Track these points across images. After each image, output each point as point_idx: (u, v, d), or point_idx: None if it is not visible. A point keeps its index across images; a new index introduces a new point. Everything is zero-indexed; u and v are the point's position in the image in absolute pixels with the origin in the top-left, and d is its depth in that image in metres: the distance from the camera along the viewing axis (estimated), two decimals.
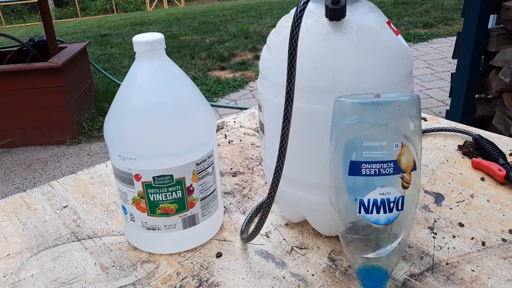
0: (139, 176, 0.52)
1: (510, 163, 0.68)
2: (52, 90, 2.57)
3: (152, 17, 9.18)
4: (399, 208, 0.44)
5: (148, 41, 0.50)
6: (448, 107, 2.39)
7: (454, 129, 0.82)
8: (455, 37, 4.60)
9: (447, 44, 4.46)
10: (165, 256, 0.56)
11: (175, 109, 0.51)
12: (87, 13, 14.43)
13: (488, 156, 0.71)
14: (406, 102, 0.43)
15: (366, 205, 0.44)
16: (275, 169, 0.47)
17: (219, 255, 0.56)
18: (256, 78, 3.93)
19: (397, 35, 0.50)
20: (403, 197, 0.44)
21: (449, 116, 1.88)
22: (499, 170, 0.67)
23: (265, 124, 0.55)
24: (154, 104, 0.50)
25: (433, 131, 0.83)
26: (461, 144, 0.78)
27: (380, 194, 0.44)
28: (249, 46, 5.01)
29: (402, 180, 0.44)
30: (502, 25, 1.67)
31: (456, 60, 1.81)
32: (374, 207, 0.44)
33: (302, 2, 0.41)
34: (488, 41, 1.67)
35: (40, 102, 2.62)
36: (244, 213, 0.65)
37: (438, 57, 4.07)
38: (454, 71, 1.82)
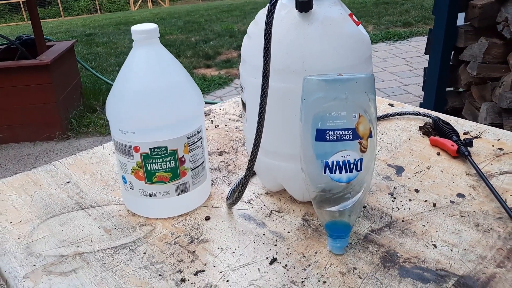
0: (138, 148, 0.60)
1: (463, 140, 0.78)
2: (41, 87, 2.62)
3: (137, 16, 9.18)
4: (358, 168, 0.53)
5: (144, 30, 0.58)
6: None
7: (417, 113, 0.92)
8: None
9: (425, 42, 4.60)
10: (160, 220, 0.64)
11: (168, 88, 0.59)
12: (70, 13, 14.29)
13: (444, 134, 0.81)
14: (362, 79, 0.52)
15: (331, 166, 0.53)
16: (254, 139, 0.55)
17: (207, 218, 0.64)
18: None
19: (357, 25, 0.59)
20: (361, 160, 0.53)
21: (422, 107, 1.99)
22: (452, 145, 0.77)
23: (246, 103, 0.63)
24: (150, 84, 0.59)
25: (398, 115, 0.93)
26: (422, 125, 0.88)
27: (342, 156, 0.52)
28: (234, 45, 5.09)
29: (360, 145, 0.53)
30: (469, 22, 1.78)
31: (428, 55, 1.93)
32: (337, 168, 0.53)
33: None
34: (457, 37, 1.79)
35: (28, 99, 2.66)
36: (229, 185, 0.73)
37: (416, 54, 4.21)
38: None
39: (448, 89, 1.93)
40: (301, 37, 0.55)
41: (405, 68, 3.85)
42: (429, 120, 0.89)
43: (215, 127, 0.95)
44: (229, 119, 0.98)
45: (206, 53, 4.77)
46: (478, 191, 0.67)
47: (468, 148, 0.76)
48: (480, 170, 0.70)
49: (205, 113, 1.02)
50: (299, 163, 0.56)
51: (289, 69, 0.56)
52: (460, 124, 0.88)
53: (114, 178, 0.76)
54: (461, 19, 1.79)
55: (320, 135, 0.52)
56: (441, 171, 0.73)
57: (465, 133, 0.85)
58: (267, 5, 0.56)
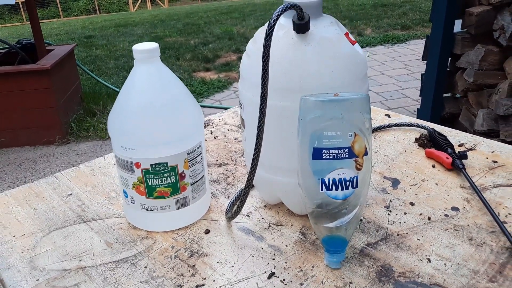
0: (139, 164, 0.61)
1: (457, 152, 0.79)
2: (41, 92, 2.63)
3: (136, 18, 9.18)
4: (354, 186, 0.55)
5: (145, 49, 0.60)
6: None
7: (413, 124, 0.94)
8: None
9: (423, 46, 4.62)
10: (161, 234, 0.66)
11: (168, 106, 0.61)
12: (69, 14, 14.28)
13: (439, 147, 0.82)
14: (357, 99, 0.53)
15: (327, 183, 0.54)
16: (253, 155, 0.57)
17: (207, 231, 0.66)
18: None
19: (353, 44, 0.61)
20: (357, 177, 0.54)
21: (419, 113, 2.01)
22: (447, 158, 0.78)
23: (245, 119, 0.65)
24: (151, 102, 0.60)
25: (395, 126, 0.94)
26: (418, 137, 0.89)
27: (338, 174, 0.54)
28: (233, 48, 5.11)
29: (355, 163, 0.54)
30: (466, 29, 1.80)
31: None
32: (333, 185, 0.54)
33: (273, 19, 0.51)
34: (454, 44, 1.80)
35: (28, 103, 2.67)
36: (229, 197, 0.74)
37: (414, 58, 4.23)
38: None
39: (445, 94, 1.95)
40: (299, 57, 0.57)
41: (403, 72, 3.87)
42: (425, 132, 0.90)
43: (215, 138, 0.96)
44: (228, 130, 1.00)
45: (205, 56, 4.79)
46: (472, 204, 0.69)
47: (462, 160, 0.77)
48: (473, 183, 0.71)
49: (204, 124, 1.03)
50: (296, 178, 0.57)
51: (287, 88, 0.57)
52: (455, 136, 0.90)
53: (115, 191, 0.77)
54: (458, 25, 1.81)
55: (317, 153, 0.53)
56: (436, 184, 0.75)
57: (460, 145, 0.86)
58: (266, 24, 0.57)
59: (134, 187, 0.63)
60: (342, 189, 0.54)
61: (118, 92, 3.01)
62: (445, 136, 0.85)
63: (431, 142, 0.86)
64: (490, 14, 1.69)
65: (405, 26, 5.49)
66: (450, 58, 1.87)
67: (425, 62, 2.01)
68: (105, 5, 15.43)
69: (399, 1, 7.57)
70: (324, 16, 0.60)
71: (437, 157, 0.80)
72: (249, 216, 0.69)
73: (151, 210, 0.64)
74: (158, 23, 7.80)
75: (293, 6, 0.53)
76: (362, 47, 4.61)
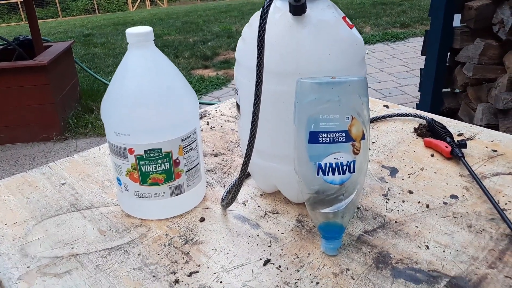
0: (132, 150, 0.60)
1: (456, 141, 0.78)
2: (38, 88, 2.62)
3: (135, 17, 9.18)
4: (351, 170, 0.53)
5: (139, 32, 0.58)
6: None
7: (411, 114, 0.93)
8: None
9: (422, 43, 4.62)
10: (155, 221, 0.65)
11: (162, 91, 0.59)
12: (68, 13, 14.25)
13: (438, 136, 0.81)
14: (355, 82, 0.52)
15: (324, 168, 0.53)
16: (248, 141, 0.56)
17: (202, 219, 0.65)
18: None
19: (351, 28, 0.60)
20: (354, 162, 0.53)
21: (418, 108, 1.99)
22: (446, 147, 0.77)
23: (240, 105, 0.64)
24: (144, 87, 0.59)
25: (393, 116, 0.93)
26: (416, 127, 0.88)
27: (335, 158, 0.53)
28: (232, 46, 5.09)
29: (353, 147, 0.53)
30: (465, 24, 1.79)
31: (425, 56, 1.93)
32: (330, 170, 0.53)
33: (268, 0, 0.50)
34: (453, 38, 1.79)
35: (26, 100, 2.66)
36: (224, 186, 0.73)
37: (414, 55, 4.22)
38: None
39: (444, 90, 1.94)
40: (295, 40, 0.56)
41: (402, 69, 3.86)
42: (424, 122, 0.89)
43: (211, 128, 0.95)
44: (225, 121, 0.99)
45: (204, 54, 4.78)
46: (471, 192, 0.68)
47: (461, 149, 0.76)
48: (473, 171, 0.70)
49: (201, 115, 1.02)
50: (293, 165, 0.56)
51: (283, 72, 0.56)
52: (454, 126, 0.89)
53: (109, 180, 0.76)
54: (457, 20, 1.80)
55: (313, 137, 0.52)
56: (435, 173, 0.74)
57: (459, 135, 0.85)
58: (261, 8, 0.56)
59: (127, 173, 0.62)
60: (339, 173, 0.53)
61: None
62: (444, 126, 0.84)
63: (430, 132, 0.85)
64: (490, 8, 1.68)
65: (404, 24, 5.48)
66: (449, 53, 1.86)
67: (424, 57, 2.00)
68: (104, 5, 15.39)
69: (399, 0, 7.57)
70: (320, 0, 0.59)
71: (436, 146, 0.79)
72: (245, 205, 0.68)
73: (145, 197, 0.63)
74: (157, 22, 7.78)
75: None
76: None
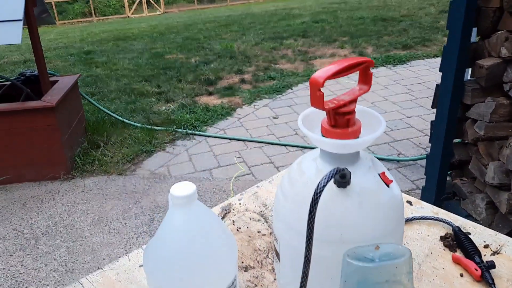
0: None
1: (485, 261, 0.79)
2: (46, 129, 2.62)
3: (134, 29, 9.19)
4: None
5: (184, 196, 0.59)
6: (427, 137, 2.55)
7: (437, 218, 0.94)
8: (433, 58, 4.68)
9: (425, 67, 4.65)
10: None
11: (206, 255, 0.60)
12: (64, 17, 14.15)
13: (466, 252, 0.82)
14: (401, 264, 0.53)
15: None
16: None
17: None
18: (244, 104, 4.05)
19: (389, 185, 0.61)
20: None
21: (429, 159, 2.01)
22: (476, 269, 0.78)
23: (280, 254, 0.65)
24: (188, 249, 0.60)
25: (418, 219, 0.94)
26: (443, 234, 0.89)
27: None
28: (234, 68, 5.11)
29: None
30: (475, 79, 1.81)
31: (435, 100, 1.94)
32: None
33: (321, 185, 0.51)
34: (464, 93, 1.81)
35: (33, 140, 2.67)
36: None
37: (417, 81, 4.25)
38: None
39: (454, 140, 1.96)
40: (339, 210, 0.57)
41: (406, 98, 3.88)
42: (450, 228, 0.90)
43: (237, 230, 0.96)
44: (250, 219, 0.99)
45: (207, 78, 4.79)
46: None
47: (490, 271, 0.77)
48: None
49: (225, 210, 1.03)
50: None
51: (327, 240, 0.57)
52: (479, 233, 0.90)
53: None
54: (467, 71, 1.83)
55: None
56: None
57: (485, 247, 0.86)
58: (300, 160, 0.57)
59: None
60: None
61: (121, 120, 2.98)
62: (470, 239, 0.85)
63: (457, 243, 0.86)
64: (500, 67, 1.69)
65: (406, 46, 5.52)
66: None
67: (428, 84, 2.00)
68: (101, 8, 15.31)
69: (399, 15, 7.62)
70: (361, 160, 0.60)
71: (465, 266, 0.80)
72: None
73: None
74: (157, 37, 7.80)
75: (339, 171, 0.53)
76: None
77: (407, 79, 4.34)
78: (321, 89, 0.54)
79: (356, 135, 0.58)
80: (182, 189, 0.60)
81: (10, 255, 2.13)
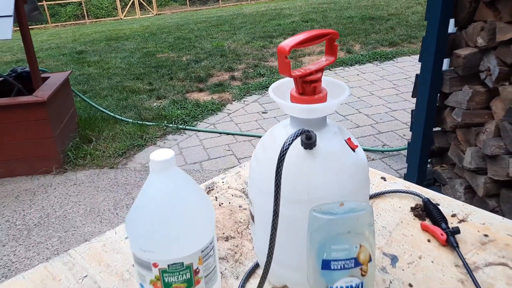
0: (156, 264, 0.65)
1: (451, 227, 0.85)
2: (37, 123, 2.65)
3: (126, 30, 9.20)
4: None
5: (162, 160, 0.64)
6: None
7: (408, 191, 0.99)
8: (418, 55, 4.80)
9: (410, 63, 4.74)
10: None
11: (184, 211, 0.65)
12: (57, 19, 14.09)
13: (434, 220, 0.88)
14: (362, 215, 0.58)
15: None
16: (265, 265, 0.61)
17: None
18: (233, 100, 4.10)
19: (355, 149, 0.66)
20: (362, 283, 0.59)
21: (410, 147, 2.07)
22: (441, 234, 0.83)
23: (255, 216, 0.69)
24: (167, 210, 0.64)
25: (391, 193, 1.00)
26: (413, 205, 0.95)
27: (345, 282, 0.59)
28: (225, 66, 5.16)
29: (361, 270, 0.59)
30: (453, 69, 1.87)
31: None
32: None
33: (285, 147, 0.56)
34: (442, 82, 1.87)
35: (25, 134, 2.69)
36: (238, 278, 0.79)
37: (403, 77, 4.32)
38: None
39: (434, 128, 2.02)
40: (306, 171, 0.61)
41: (392, 92, 3.95)
42: (420, 200, 0.96)
43: (220, 205, 1.01)
44: (232, 195, 1.04)
45: (198, 75, 4.83)
46: (466, 285, 0.74)
47: (455, 236, 0.83)
48: (467, 265, 0.76)
49: (208, 188, 1.07)
50: (305, 273, 0.62)
51: (295, 199, 0.62)
52: (448, 204, 0.95)
53: (128, 271, 0.81)
54: (446, 62, 1.89)
55: (326, 265, 0.58)
56: (432, 262, 0.80)
57: (452, 215, 0.92)
58: (273, 128, 0.62)
59: (151, 283, 0.67)
60: None
61: (113, 116, 3.00)
62: (438, 209, 0.90)
63: (426, 213, 0.91)
64: (477, 56, 1.76)
65: (392, 43, 5.60)
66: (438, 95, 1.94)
67: (413, 79, 2.05)
68: (94, 10, 15.26)
69: (387, 14, 7.71)
70: (328, 126, 0.65)
71: (432, 232, 0.86)
72: None
73: None
74: (149, 37, 7.82)
75: (303, 132, 0.58)
76: (351, 65, 4.69)
77: (393, 74, 4.41)
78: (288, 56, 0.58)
79: (322, 101, 0.63)
80: (161, 155, 0.65)
81: (3, 246, 2.15)
